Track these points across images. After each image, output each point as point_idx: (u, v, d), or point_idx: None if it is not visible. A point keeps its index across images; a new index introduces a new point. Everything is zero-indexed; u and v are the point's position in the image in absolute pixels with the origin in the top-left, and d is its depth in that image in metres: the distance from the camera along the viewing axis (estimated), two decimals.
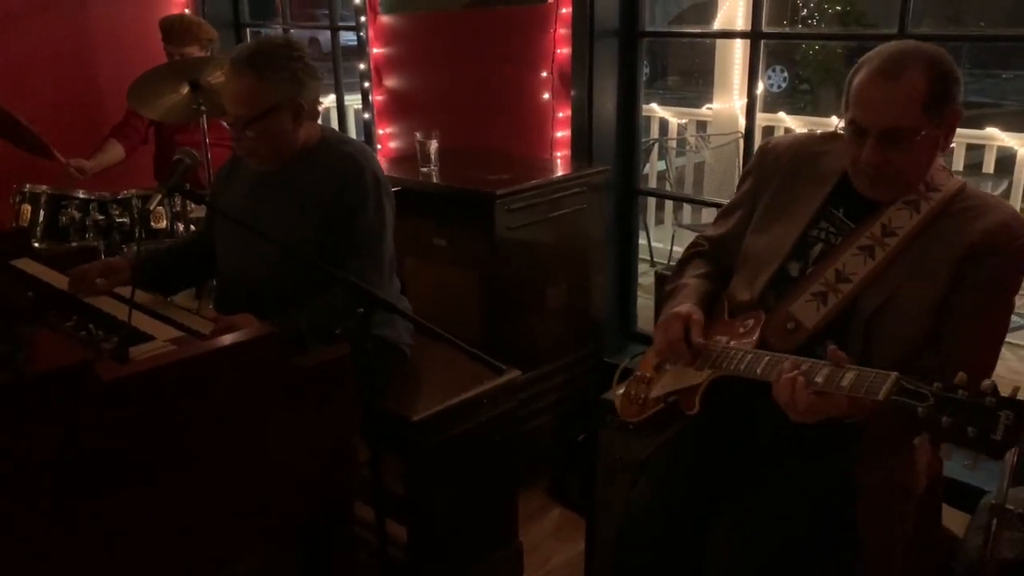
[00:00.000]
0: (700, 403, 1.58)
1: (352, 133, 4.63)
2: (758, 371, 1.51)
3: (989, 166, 4.36)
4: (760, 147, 1.82)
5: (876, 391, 1.28)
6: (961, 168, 4.36)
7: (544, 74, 3.09)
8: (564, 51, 3.00)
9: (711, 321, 1.71)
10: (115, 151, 3.46)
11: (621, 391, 1.84)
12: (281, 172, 2.08)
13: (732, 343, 1.61)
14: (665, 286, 1.87)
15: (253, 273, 2.07)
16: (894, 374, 1.28)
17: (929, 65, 1.46)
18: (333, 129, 2.73)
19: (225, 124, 2.07)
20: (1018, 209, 3.34)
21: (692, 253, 1.90)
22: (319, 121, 2.16)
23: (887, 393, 1.27)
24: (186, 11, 3.96)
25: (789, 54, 10.77)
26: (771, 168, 1.74)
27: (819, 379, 1.38)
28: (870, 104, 1.49)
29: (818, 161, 1.67)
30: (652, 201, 5.13)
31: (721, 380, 1.58)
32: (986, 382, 1.20)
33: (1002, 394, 1.18)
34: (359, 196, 2.02)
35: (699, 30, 6.86)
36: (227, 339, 1.60)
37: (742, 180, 1.85)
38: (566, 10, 2.95)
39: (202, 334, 1.73)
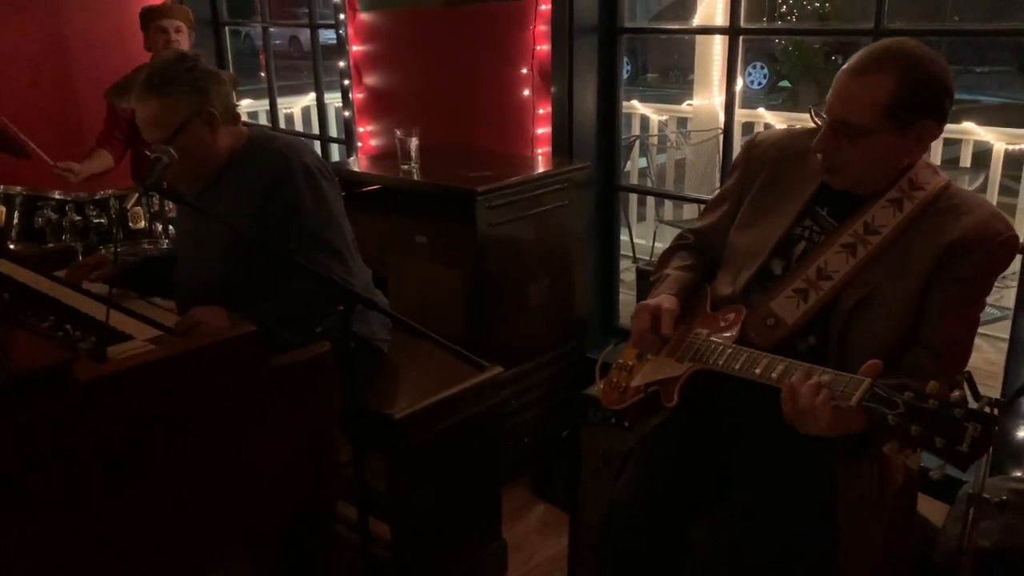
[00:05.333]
0: (679, 396, 1.59)
1: (332, 131, 4.61)
2: (736, 368, 1.51)
3: (966, 160, 4.39)
4: (747, 141, 1.82)
5: (849, 396, 1.29)
6: (939, 163, 4.38)
7: (524, 71, 3.08)
8: (544, 48, 3.00)
9: (693, 313, 1.71)
10: (104, 159, 3.41)
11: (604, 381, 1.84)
12: (214, 184, 2.06)
13: (713, 336, 1.62)
14: (650, 278, 1.88)
15: (205, 284, 2.05)
16: (868, 380, 1.29)
17: (907, 71, 1.44)
18: (262, 129, 2.70)
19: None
20: (995, 203, 3.37)
21: (677, 245, 1.90)
22: (241, 125, 2.13)
23: (859, 399, 1.27)
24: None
25: (768, 51, 10.82)
26: (757, 163, 1.74)
27: (793, 380, 1.39)
28: (834, 93, 1.51)
29: (804, 159, 1.66)
30: (634, 197, 5.14)
31: (702, 373, 1.59)
32: (956, 393, 1.20)
33: (971, 406, 1.19)
34: (294, 190, 2.00)
35: (678, 26, 6.88)
36: (206, 338, 1.59)
37: (729, 174, 1.84)
38: (546, 7, 2.95)
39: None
